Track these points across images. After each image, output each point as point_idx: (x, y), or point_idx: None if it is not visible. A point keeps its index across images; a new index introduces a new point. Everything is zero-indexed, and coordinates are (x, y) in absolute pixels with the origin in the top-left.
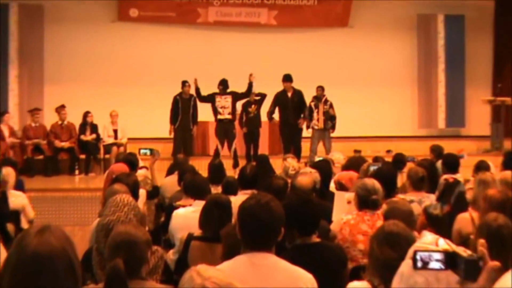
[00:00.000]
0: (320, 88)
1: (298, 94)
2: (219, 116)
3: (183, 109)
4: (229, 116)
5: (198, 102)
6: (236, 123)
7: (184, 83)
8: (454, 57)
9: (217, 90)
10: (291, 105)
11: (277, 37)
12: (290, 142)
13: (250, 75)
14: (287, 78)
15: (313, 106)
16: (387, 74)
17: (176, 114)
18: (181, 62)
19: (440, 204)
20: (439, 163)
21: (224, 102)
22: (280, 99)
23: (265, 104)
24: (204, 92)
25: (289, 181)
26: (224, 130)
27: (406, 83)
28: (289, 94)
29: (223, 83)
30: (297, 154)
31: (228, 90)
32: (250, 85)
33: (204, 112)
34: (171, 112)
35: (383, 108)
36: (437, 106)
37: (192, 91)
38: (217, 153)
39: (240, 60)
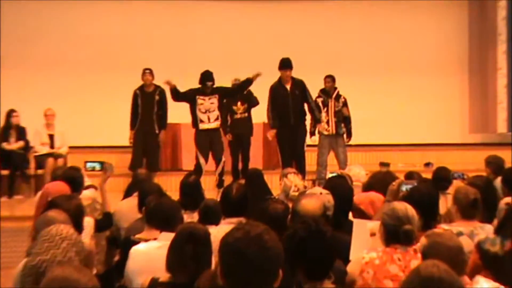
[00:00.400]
0: (330, 79)
1: (300, 85)
2: (202, 126)
3: (144, 106)
4: (215, 124)
5: (167, 97)
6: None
7: (145, 71)
8: None
9: (196, 86)
10: (292, 101)
11: (274, 9)
12: (291, 152)
13: (257, 74)
14: (285, 64)
15: (320, 104)
16: (426, 59)
17: (135, 114)
18: (147, 44)
19: (500, 238)
20: (498, 181)
21: (208, 104)
22: (276, 94)
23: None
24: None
25: (290, 205)
26: (209, 139)
27: (452, 71)
28: (288, 87)
29: (207, 77)
30: (301, 169)
31: (214, 86)
32: (248, 82)
33: (175, 110)
34: (131, 112)
35: (420, 106)
36: (496, 102)
37: (165, 86)
38: (198, 169)
39: (225, 40)
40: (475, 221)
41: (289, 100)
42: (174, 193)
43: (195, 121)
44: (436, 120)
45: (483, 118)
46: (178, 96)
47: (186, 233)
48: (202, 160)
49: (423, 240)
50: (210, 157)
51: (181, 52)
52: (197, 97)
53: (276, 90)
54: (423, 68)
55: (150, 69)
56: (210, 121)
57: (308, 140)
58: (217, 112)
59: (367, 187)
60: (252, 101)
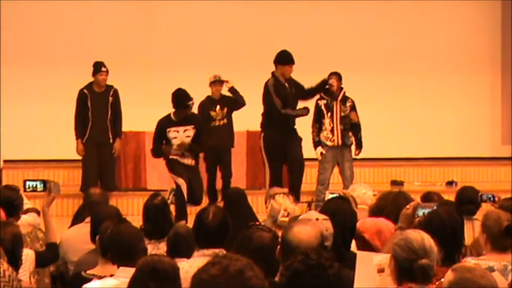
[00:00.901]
0: (336, 77)
1: (295, 85)
2: (174, 157)
3: (95, 110)
4: (191, 162)
5: (119, 97)
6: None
7: (98, 66)
8: None
9: (166, 113)
10: (292, 103)
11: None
12: (281, 166)
13: (226, 81)
14: (288, 58)
15: (323, 107)
16: (449, 54)
17: (84, 120)
18: (97, 36)
19: None
20: None
21: (183, 137)
22: (278, 92)
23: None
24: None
25: (279, 233)
26: (185, 171)
27: (481, 69)
28: (286, 84)
29: (180, 99)
30: (296, 188)
31: (191, 113)
32: (233, 92)
33: (138, 115)
34: (75, 117)
35: (441, 112)
36: None
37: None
38: (179, 191)
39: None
40: (509, 254)
41: (289, 101)
42: (136, 218)
43: (167, 152)
44: (461, 129)
45: None
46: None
47: (148, 268)
48: (180, 180)
49: (449, 276)
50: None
51: (143, 47)
52: (168, 130)
53: (277, 88)
54: (445, 66)
55: (106, 66)
56: (185, 156)
57: (313, 153)
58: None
59: (374, 212)
60: (235, 104)
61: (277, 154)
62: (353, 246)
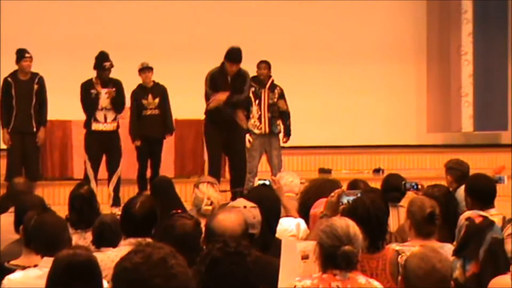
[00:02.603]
0: (266, 65)
1: (242, 77)
2: (94, 126)
3: (19, 99)
4: (112, 126)
5: (44, 84)
6: (122, 131)
7: (21, 52)
8: (490, 13)
9: (90, 76)
10: (231, 94)
11: None
12: (220, 157)
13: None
14: (234, 58)
15: (251, 95)
16: (374, 42)
17: (8, 109)
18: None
19: (460, 261)
20: (461, 192)
21: (104, 99)
22: (215, 83)
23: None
24: None
25: (203, 222)
26: (102, 145)
27: (406, 58)
28: (229, 77)
29: (98, 60)
30: (238, 183)
31: (112, 77)
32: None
33: (64, 103)
34: (1, 106)
35: (368, 100)
36: (459, 95)
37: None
38: (86, 178)
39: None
40: (432, 240)
41: (229, 91)
42: (62, 208)
43: (88, 120)
44: (388, 118)
45: (444, 114)
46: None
47: (63, 263)
48: (89, 169)
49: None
50: (103, 167)
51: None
52: (90, 89)
53: (216, 79)
54: (372, 55)
55: (29, 52)
56: (107, 121)
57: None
58: (114, 111)
59: (303, 200)
60: (164, 95)
61: (215, 142)
62: (304, 226)
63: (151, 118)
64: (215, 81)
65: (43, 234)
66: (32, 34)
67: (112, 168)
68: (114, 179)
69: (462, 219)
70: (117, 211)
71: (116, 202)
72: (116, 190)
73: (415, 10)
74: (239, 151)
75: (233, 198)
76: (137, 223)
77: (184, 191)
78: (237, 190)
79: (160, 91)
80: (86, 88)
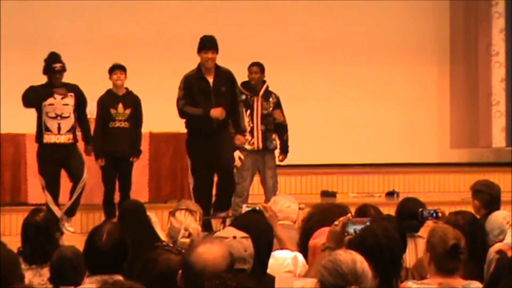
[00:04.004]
0: (258, 68)
1: (227, 78)
2: (46, 138)
3: None
4: (68, 139)
5: None
6: (82, 145)
7: None
8: None
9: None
10: (215, 99)
11: None
12: (208, 177)
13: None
14: (208, 43)
15: (242, 103)
16: (389, 41)
17: None
18: None
19: None
20: (491, 219)
21: (59, 105)
22: (192, 87)
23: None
24: None
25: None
26: (57, 157)
27: (425, 59)
28: (210, 80)
29: (51, 60)
30: (224, 202)
31: (68, 82)
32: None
33: (17, 114)
34: None
35: (381, 111)
36: (489, 104)
37: None
38: (49, 212)
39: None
40: (456, 277)
41: (211, 97)
42: (14, 239)
43: (38, 132)
44: (403, 130)
45: (471, 126)
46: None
47: None
48: (49, 198)
49: None
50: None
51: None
52: (43, 94)
53: (192, 83)
54: (386, 56)
55: None
56: (61, 131)
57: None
58: (72, 119)
59: (305, 230)
60: (137, 106)
61: (202, 163)
62: (302, 260)
63: (119, 131)
64: (190, 87)
65: None
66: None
67: (76, 177)
68: (79, 188)
69: (492, 252)
70: (68, 226)
71: (70, 212)
72: (77, 199)
73: (436, 1)
74: (227, 165)
75: (205, 227)
76: (105, 257)
77: (161, 218)
78: (219, 216)
79: (132, 101)
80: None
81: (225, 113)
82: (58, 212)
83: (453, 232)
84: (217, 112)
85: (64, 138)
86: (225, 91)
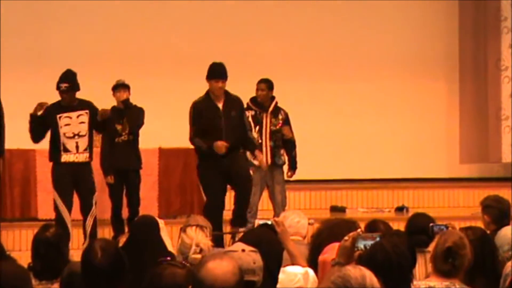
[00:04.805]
0: (265, 85)
1: (237, 104)
2: (65, 157)
3: None
4: (85, 157)
5: (1, 108)
6: (94, 163)
7: None
8: None
9: (56, 96)
10: (226, 125)
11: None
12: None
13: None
14: (217, 72)
15: (250, 120)
16: (397, 55)
17: None
18: None
19: None
20: (501, 235)
21: (76, 124)
22: (202, 114)
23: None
24: None
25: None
26: (72, 177)
27: (434, 74)
28: (220, 105)
29: (61, 78)
30: (241, 210)
31: (82, 99)
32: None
33: (23, 128)
34: None
35: (390, 126)
36: (499, 119)
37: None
38: (60, 223)
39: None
40: (454, 281)
41: (222, 123)
42: (24, 254)
43: (54, 151)
44: (412, 145)
45: (481, 141)
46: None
47: None
48: (63, 208)
49: None
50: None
51: None
52: (58, 115)
53: (202, 109)
54: (394, 71)
55: None
56: (79, 150)
57: None
58: (87, 137)
59: (315, 246)
60: (136, 119)
61: (216, 181)
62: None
63: (124, 146)
64: (200, 115)
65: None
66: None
67: (85, 208)
68: (89, 220)
69: (509, 266)
70: None
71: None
72: (93, 233)
73: (445, 17)
74: (246, 175)
75: (216, 242)
76: (103, 275)
77: (170, 233)
78: (234, 232)
79: (133, 115)
80: (51, 112)
81: (236, 138)
82: (69, 225)
83: (456, 237)
84: (220, 148)
85: (82, 157)
86: (235, 116)
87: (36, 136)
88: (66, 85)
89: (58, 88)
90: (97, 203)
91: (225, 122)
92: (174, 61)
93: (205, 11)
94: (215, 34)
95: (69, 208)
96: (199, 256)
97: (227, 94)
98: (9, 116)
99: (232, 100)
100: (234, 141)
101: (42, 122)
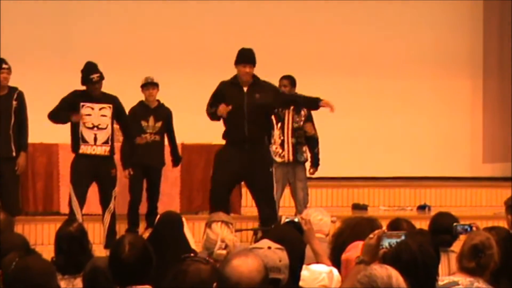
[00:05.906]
0: (288, 81)
1: (266, 87)
2: (83, 148)
3: None
4: (103, 150)
5: (24, 101)
6: (116, 157)
7: (2, 65)
8: None
9: (80, 88)
10: (248, 108)
11: None
12: (226, 188)
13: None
14: (245, 57)
15: (272, 117)
16: (421, 55)
17: None
18: None
19: None
20: None
21: (97, 116)
22: (224, 94)
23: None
24: None
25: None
26: (91, 169)
27: (459, 74)
28: (245, 89)
29: (89, 70)
30: (267, 217)
31: (107, 92)
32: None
33: (46, 123)
34: None
35: (413, 124)
36: None
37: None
38: (71, 214)
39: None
40: (479, 279)
41: (244, 105)
42: (46, 249)
43: (75, 141)
44: (435, 144)
45: (504, 140)
46: (55, 113)
47: None
48: (75, 203)
49: None
50: (92, 199)
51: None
52: (82, 104)
53: (226, 88)
54: (418, 69)
55: (8, 63)
56: (97, 142)
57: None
58: (109, 131)
59: (337, 244)
60: (168, 119)
61: (224, 170)
62: (338, 275)
63: (148, 144)
64: (222, 92)
65: (25, 281)
66: (7, 41)
67: (104, 203)
68: (107, 216)
69: None
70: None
71: (110, 243)
72: (111, 229)
73: (469, 13)
74: (266, 190)
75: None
76: (131, 269)
77: (192, 229)
78: (256, 229)
79: (164, 114)
80: (76, 98)
81: (263, 124)
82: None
83: (484, 236)
84: (221, 111)
85: (100, 150)
86: (259, 98)
87: (56, 114)
88: (98, 75)
89: (88, 80)
90: (116, 198)
91: (247, 102)
92: (197, 57)
93: (229, 8)
94: (238, 31)
95: (82, 201)
96: (224, 252)
97: (255, 79)
98: (32, 111)
99: (259, 84)
100: (257, 128)
101: (66, 107)
